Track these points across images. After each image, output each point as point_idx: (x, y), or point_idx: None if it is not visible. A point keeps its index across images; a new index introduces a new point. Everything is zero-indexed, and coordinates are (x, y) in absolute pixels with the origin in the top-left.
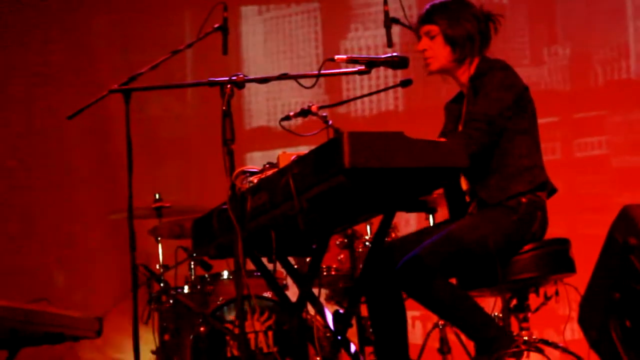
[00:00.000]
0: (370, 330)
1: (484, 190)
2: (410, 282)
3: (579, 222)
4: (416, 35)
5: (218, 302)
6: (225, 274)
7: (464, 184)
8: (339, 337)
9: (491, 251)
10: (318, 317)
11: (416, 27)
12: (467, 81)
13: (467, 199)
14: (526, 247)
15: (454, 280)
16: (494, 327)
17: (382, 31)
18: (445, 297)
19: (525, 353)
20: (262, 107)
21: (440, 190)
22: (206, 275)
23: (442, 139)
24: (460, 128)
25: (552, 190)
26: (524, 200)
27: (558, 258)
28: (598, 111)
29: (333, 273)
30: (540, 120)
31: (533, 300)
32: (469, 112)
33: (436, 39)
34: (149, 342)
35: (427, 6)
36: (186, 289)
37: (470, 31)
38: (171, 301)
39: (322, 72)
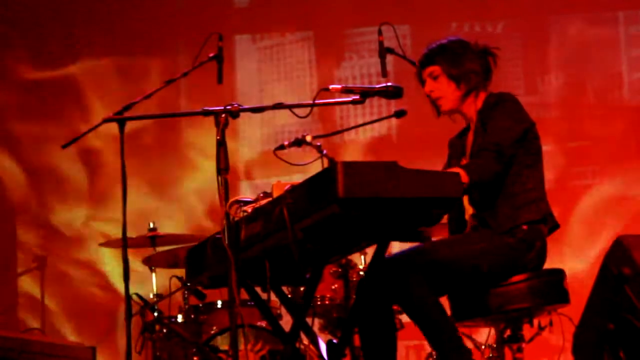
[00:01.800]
0: None
1: (492, 219)
2: (393, 276)
3: (573, 251)
4: (419, 81)
5: (212, 332)
6: (219, 303)
7: (468, 212)
8: None
9: (482, 268)
10: (312, 347)
11: (418, 71)
12: (474, 115)
13: (468, 229)
14: (520, 277)
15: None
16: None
17: (377, 60)
18: (422, 299)
19: None
20: (256, 135)
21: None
22: (200, 305)
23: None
24: (463, 162)
25: (555, 226)
26: (525, 227)
27: (552, 288)
28: (592, 140)
29: (327, 303)
30: None
31: (527, 331)
32: (480, 143)
33: (440, 79)
34: None
35: (426, 50)
36: (180, 319)
37: (472, 66)
38: (165, 330)
39: (316, 101)
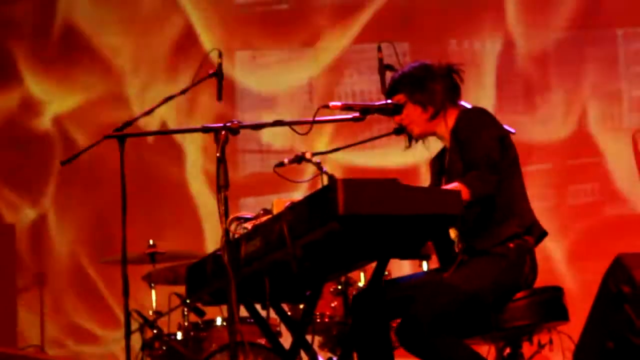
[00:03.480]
0: None
1: (472, 237)
2: (410, 341)
3: (572, 269)
4: None
5: (211, 349)
6: (219, 320)
7: (452, 232)
8: None
9: (486, 301)
10: None
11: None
12: (447, 133)
13: (456, 248)
14: (519, 295)
15: None
16: None
17: (376, 77)
18: (446, 353)
19: None
20: (255, 152)
21: None
22: (199, 322)
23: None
24: (443, 181)
25: (542, 234)
26: (511, 245)
27: (551, 306)
28: (591, 158)
29: (326, 320)
30: (533, 167)
31: (527, 349)
32: (468, 159)
33: (406, 106)
34: None
35: (390, 79)
36: (179, 336)
37: (435, 88)
38: (164, 348)
39: (316, 118)
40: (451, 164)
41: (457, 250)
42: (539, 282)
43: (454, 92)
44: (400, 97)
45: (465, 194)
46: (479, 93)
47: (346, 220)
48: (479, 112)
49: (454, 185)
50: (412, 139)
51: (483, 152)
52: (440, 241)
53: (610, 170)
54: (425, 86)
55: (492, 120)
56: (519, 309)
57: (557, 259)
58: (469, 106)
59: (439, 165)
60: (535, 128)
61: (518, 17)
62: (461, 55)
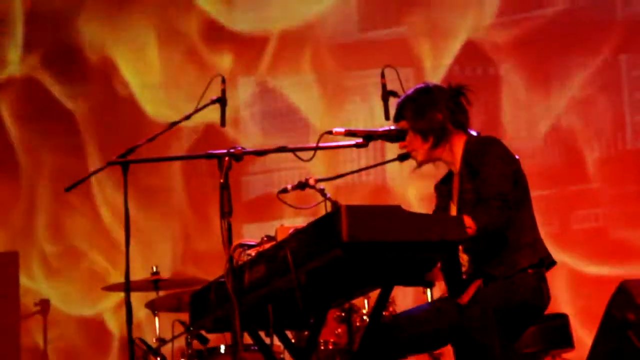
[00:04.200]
0: None
1: (489, 266)
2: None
3: (576, 296)
4: None
5: None
6: (223, 348)
7: (463, 259)
8: None
9: (499, 328)
10: None
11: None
12: (454, 159)
13: (464, 275)
14: None
15: None
16: None
17: (380, 103)
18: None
19: None
20: (259, 178)
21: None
22: (203, 349)
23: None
24: (451, 206)
25: (551, 263)
26: (530, 272)
27: (558, 333)
28: (594, 183)
29: (330, 347)
30: (537, 192)
31: None
32: (482, 193)
33: (409, 133)
34: None
35: (396, 104)
36: None
37: (435, 118)
38: None
39: (319, 145)
40: (463, 194)
41: (465, 276)
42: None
43: (458, 117)
44: (403, 125)
45: (472, 228)
46: (482, 118)
47: (350, 247)
48: (491, 142)
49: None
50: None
51: (496, 188)
52: (448, 267)
53: (613, 195)
54: (426, 115)
55: (505, 152)
56: (527, 336)
57: (561, 284)
58: (475, 133)
59: (446, 190)
60: (537, 153)
61: (521, 44)
62: (464, 81)
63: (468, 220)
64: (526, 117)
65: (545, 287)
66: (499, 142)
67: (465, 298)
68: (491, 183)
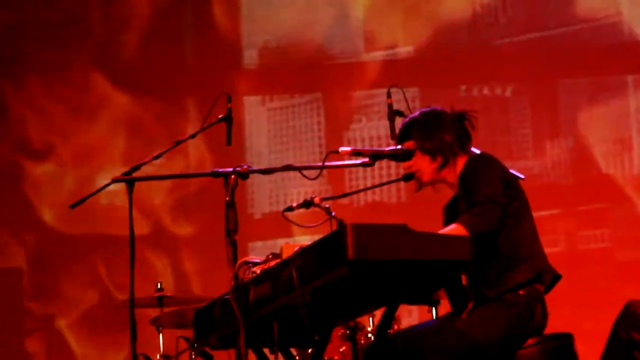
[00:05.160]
0: None
1: (481, 283)
2: None
3: (582, 316)
4: None
5: None
6: None
7: (464, 277)
8: None
9: (496, 348)
10: None
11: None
12: (455, 180)
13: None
14: (530, 341)
15: None
16: None
17: (385, 122)
18: None
19: None
20: (264, 196)
21: None
22: None
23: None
24: None
25: (556, 277)
26: (522, 292)
27: (562, 353)
28: (601, 204)
29: None
30: (543, 212)
31: None
32: (469, 200)
33: (415, 154)
34: None
35: (401, 125)
36: None
37: (444, 138)
38: None
39: (326, 164)
40: (460, 213)
41: (469, 296)
42: (549, 328)
43: (463, 140)
44: (410, 144)
45: (464, 234)
46: (488, 138)
47: (355, 265)
48: (483, 158)
49: (452, 227)
50: (421, 184)
51: (482, 190)
52: (452, 287)
53: (619, 216)
54: (434, 136)
55: (497, 164)
56: (530, 356)
57: (566, 304)
58: (477, 151)
59: (451, 212)
60: (544, 173)
61: (527, 65)
62: (471, 101)
63: (459, 228)
64: (533, 137)
65: (540, 306)
66: (490, 157)
67: (464, 316)
68: (478, 188)
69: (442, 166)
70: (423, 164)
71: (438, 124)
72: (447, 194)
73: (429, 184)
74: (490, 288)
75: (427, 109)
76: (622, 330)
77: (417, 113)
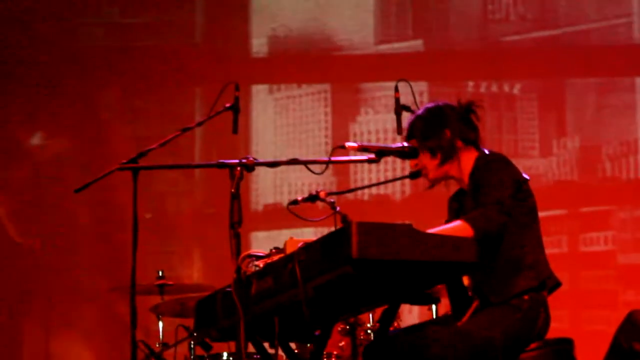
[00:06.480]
0: None
1: (487, 287)
2: None
3: (583, 318)
4: None
5: None
6: (225, 355)
7: (466, 279)
8: None
9: (498, 351)
10: None
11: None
12: (464, 176)
13: (470, 293)
14: (531, 346)
15: None
16: None
17: (392, 116)
18: None
19: None
20: (269, 187)
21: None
22: (206, 356)
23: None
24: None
25: (556, 285)
26: (526, 298)
27: (561, 358)
28: (605, 206)
29: None
30: (547, 213)
31: None
32: (478, 201)
33: (419, 151)
34: None
35: (407, 122)
36: None
37: (443, 135)
38: None
39: (332, 159)
40: (468, 210)
41: (470, 295)
42: (550, 330)
43: (468, 134)
44: (413, 143)
45: (469, 231)
46: (494, 135)
47: (359, 264)
48: (496, 158)
49: (457, 223)
50: (430, 182)
51: (492, 192)
52: (453, 287)
53: (623, 218)
54: (434, 132)
55: (508, 165)
56: None
57: (567, 306)
58: (487, 151)
59: (457, 205)
60: (549, 173)
61: (536, 63)
62: (478, 97)
63: (464, 225)
64: (539, 136)
65: (544, 313)
66: (504, 157)
67: (464, 319)
68: (489, 189)
69: (443, 162)
70: (426, 162)
71: (438, 120)
72: (453, 189)
73: (437, 181)
74: (495, 293)
75: (431, 105)
76: (624, 340)
77: (421, 110)
